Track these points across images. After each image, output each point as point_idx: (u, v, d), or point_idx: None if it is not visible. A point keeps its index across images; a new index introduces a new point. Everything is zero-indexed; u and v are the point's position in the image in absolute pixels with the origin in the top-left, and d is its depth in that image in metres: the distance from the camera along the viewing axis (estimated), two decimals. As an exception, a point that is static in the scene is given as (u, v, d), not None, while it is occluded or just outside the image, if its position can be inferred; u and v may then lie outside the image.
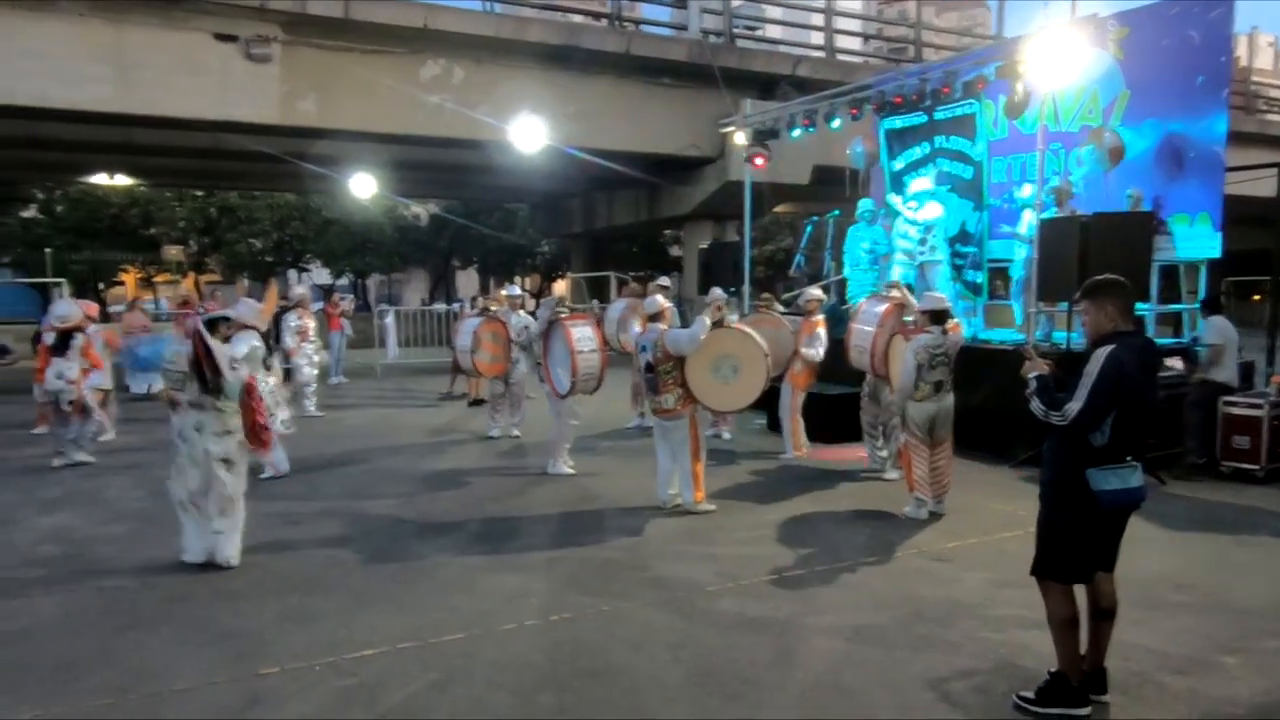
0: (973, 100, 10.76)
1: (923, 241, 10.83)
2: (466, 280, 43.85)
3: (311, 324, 12.43)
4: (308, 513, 7.17)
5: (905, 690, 4.06)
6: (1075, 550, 3.78)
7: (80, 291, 20.35)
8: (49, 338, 9.45)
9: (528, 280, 40.11)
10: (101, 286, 34.34)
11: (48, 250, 27.25)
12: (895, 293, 8.58)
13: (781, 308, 10.48)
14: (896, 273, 10.85)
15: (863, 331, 8.43)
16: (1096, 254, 7.92)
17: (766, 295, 10.70)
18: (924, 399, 6.93)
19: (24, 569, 5.92)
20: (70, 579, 5.70)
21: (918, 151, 12.35)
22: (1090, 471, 3.66)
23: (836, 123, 12.07)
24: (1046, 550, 3.86)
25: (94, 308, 11.09)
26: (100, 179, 23.87)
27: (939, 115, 11.66)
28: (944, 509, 7.08)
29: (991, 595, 5.19)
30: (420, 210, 36.19)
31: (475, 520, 7.08)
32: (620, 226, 25.36)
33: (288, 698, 4.03)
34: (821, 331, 9.19)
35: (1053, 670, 3.86)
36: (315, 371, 12.61)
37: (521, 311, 10.63)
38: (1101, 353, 3.68)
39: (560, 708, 3.92)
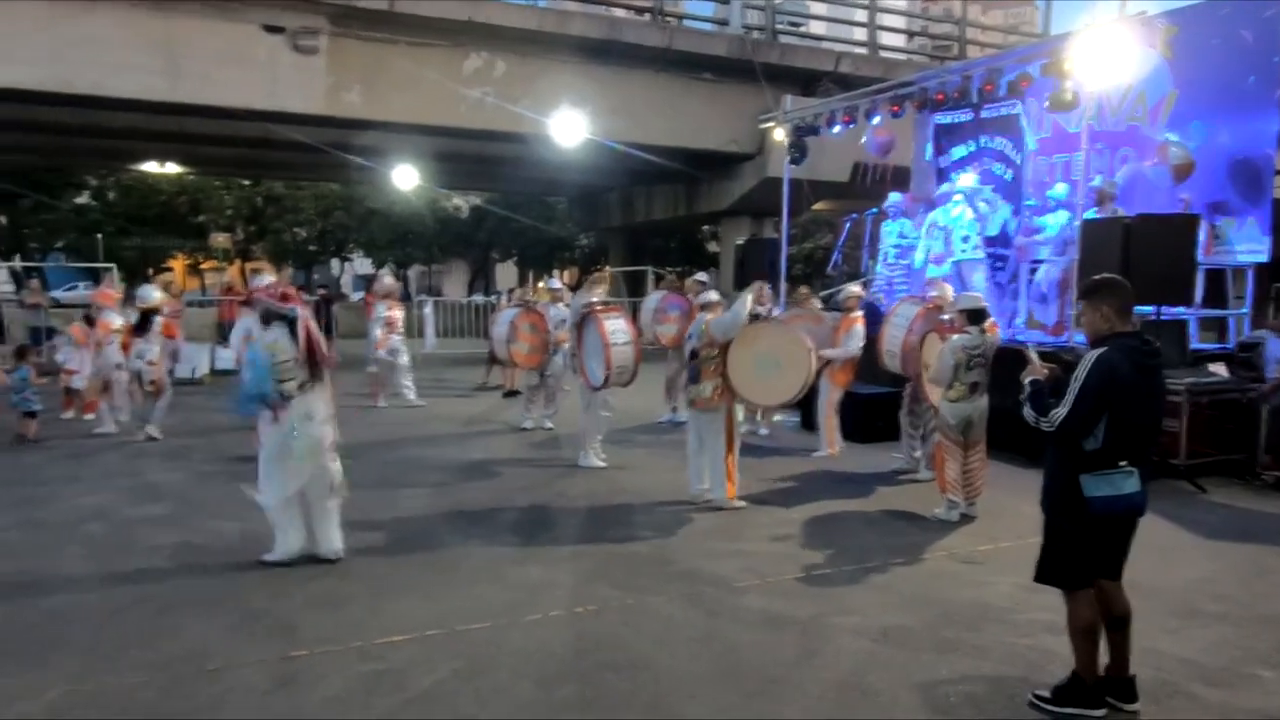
0: (1016, 100, 10.60)
1: (966, 239, 10.68)
2: (505, 273, 44.09)
3: (399, 314, 12.56)
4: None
5: (931, 692, 4.02)
6: (1073, 557, 3.74)
7: (129, 277, 20.78)
8: (132, 317, 9.77)
9: (565, 273, 40.27)
10: (150, 272, 35.07)
11: (100, 236, 27.94)
12: (935, 292, 8.48)
13: (819, 302, 10.43)
14: (935, 271, 10.72)
15: (894, 334, 8.36)
16: (1139, 257, 7.76)
17: (805, 289, 10.63)
18: (959, 399, 6.85)
19: (66, 546, 6.07)
20: (110, 558, 5.84)
21: (963, 149, 12.21)
22: (1083, 477, 3.61)
23: (877, 119, 11.95)
24: (1045, 556, 3.84)
25: (109, 295, 11.35)
26: (151, 167, 24.43)
27: (985, 114, 11.51)
28: (976, 511, 7.00)
29: (1021, 600, 5.12)
30: (461, 202, 36.47)
31: (505, 511, 7.14)
32: (658, 221, 25.38)
33: (317, 680, 4.09)
34: (859, 329, 9.15)
35: (1072, 670, 3.82)
36: (408, 359, 12.68)
37: (560, 304, 10.68)
38: (1091, 356, 3.62)
39: (583, 699, 3.94)
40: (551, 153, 17.76)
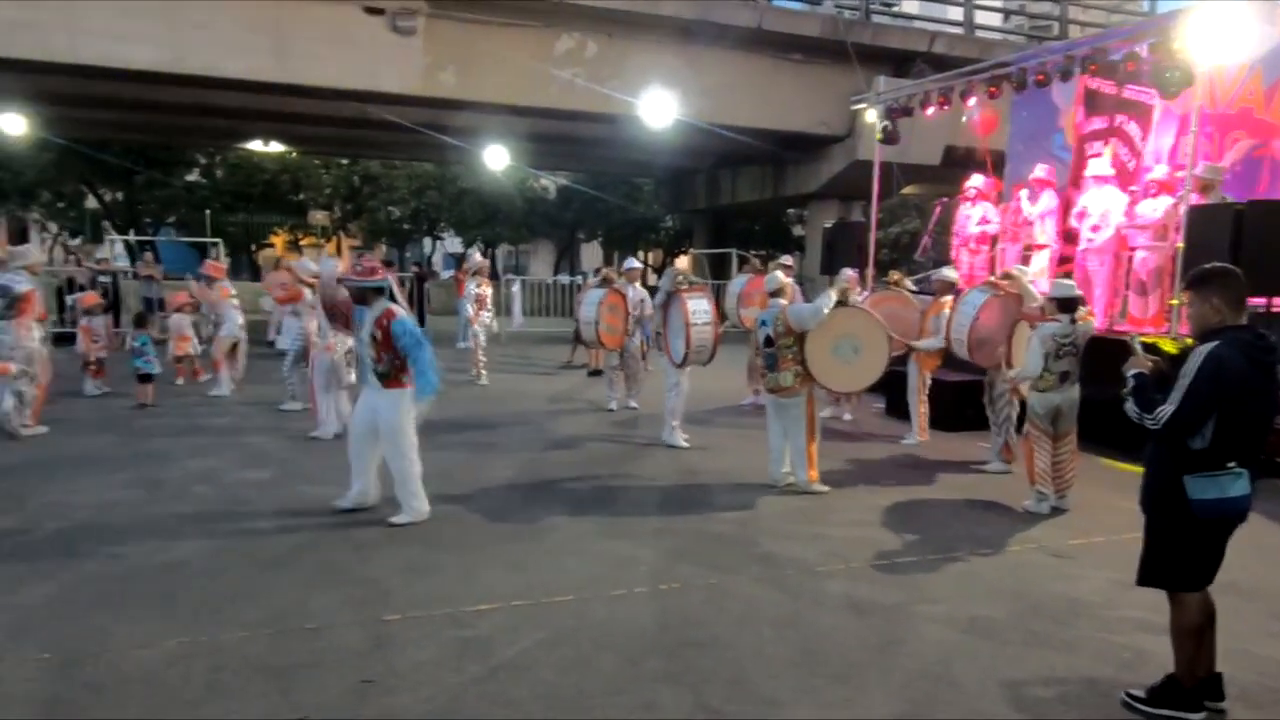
0: (1154, 90, 10.12)
1: (1095, 229, 10.30)
2: (590, 253, 44.41)
3: (489, 292, 12.88)
4: (431, 471, 7.44)
5: (1019, 687, 3.96)
6: (1178, 558, 3.60)
7: (233, 252, 21.68)
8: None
9: (650, 255, 40.33)
10: (253, 247, 36.50)
11: (207, 212, 29.18)
12: (1007, 282, 8.26)
13: (912, 286, 10.25)
14: (1013, 258, 10.44)
15: (961, 320, 8.18)
16: (1251, 245, 7.41)
17: (896, 273, 10.46)
18: (1048, 389, 6.68)
19: (177, 506, 6.41)
20: (216, 518, 6.15)
21: (1100, 123, 11.60)
22: (1187, 478, 3.45)
23: (973, 101, 11.63)
24: (1147, 557, 3.70)
25: (219, 267, 11.88)
26: (256, 145, 25.38)
27: (1127, 95, 10.97)
28: (1067, 504, 6.83)
29: (1115, 596, 4.98)
30: (549, 183, 36.83)
31: (589, 487, 7.26)
32: (744, 203, 25.21)
33: (409, 644, 4.24)
34: (948, 314, 8.95)
35: (1169, 673, 3.71)
36: (484, 339, 12.93)
37: (639, 284, 10.75)
38: (1201, 351, 3.44)
39: (666, 674, 3.99)
40: (639, 134, 17.80)
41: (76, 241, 32.86)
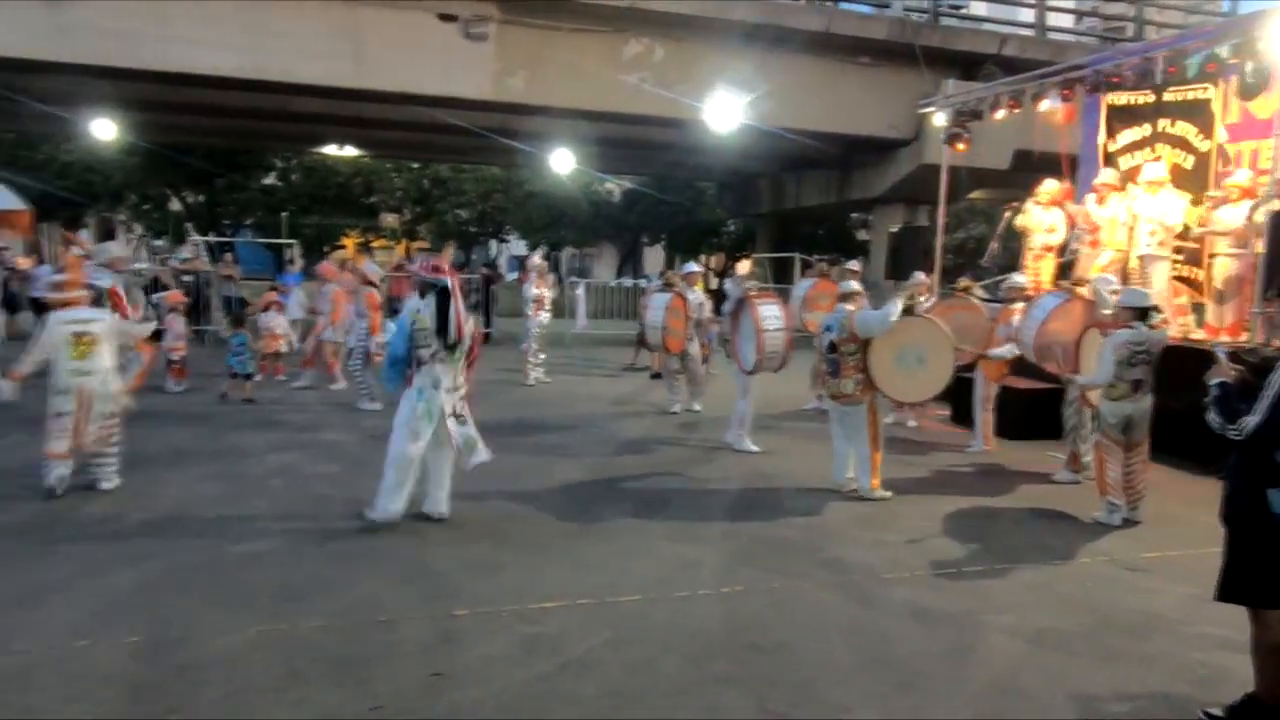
0: (1208, 84, 9.84)
1: (1152, 234, 10.04)
2: (652, 256, 44.50)
3: (548, 293, 13.02)
4: (497, 470, 7.56)
5: (1091, 701, 3.89)
6: (1260, 574, 3.49)
7: (307, 253, 22.29)
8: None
9: (713, 259, 40.25)
10: (326, 249, 37.40)
11: (284, 214, 30.04)
12: (1083, 290, 8.07)
13: (982, 293, 10.08)
14: (1083, 266, 10.20)
15: (1030, 326, 8.02)
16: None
17: (965, 281, 10.30)
18: (1120, 398, 6.52)
19: (256, 499, 6.64)
20: (292, 511, 6.35)
21: (1138, 133, 11.41)
22: (1270, 492, 3.36)
23: (1045, 104, 11.40)
24: (1228, 572, 3.61)
25: (332, 269, 12.22)
26: (331, 149, 26.06)
27: (1167, 97, 10.74)
28: (1140, 516, 6.66)
29: (1192, 611, 4.85)
30: (613, 186, 37.02)
31: (653, 489, 7.30)
32: (808, 208, 25.01)
33: (477, 639, 4.33)
34: (1019, 321, 8.79)
35: (1249, 691, 3.61)
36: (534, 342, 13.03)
37: (696, 288, 10.75)
38: None
39: (730, 677, 4.01)
40: (705, 137, 17.81)
41: (160, 242, 34.07)
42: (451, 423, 6.05)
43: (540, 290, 12.93)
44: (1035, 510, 7.01)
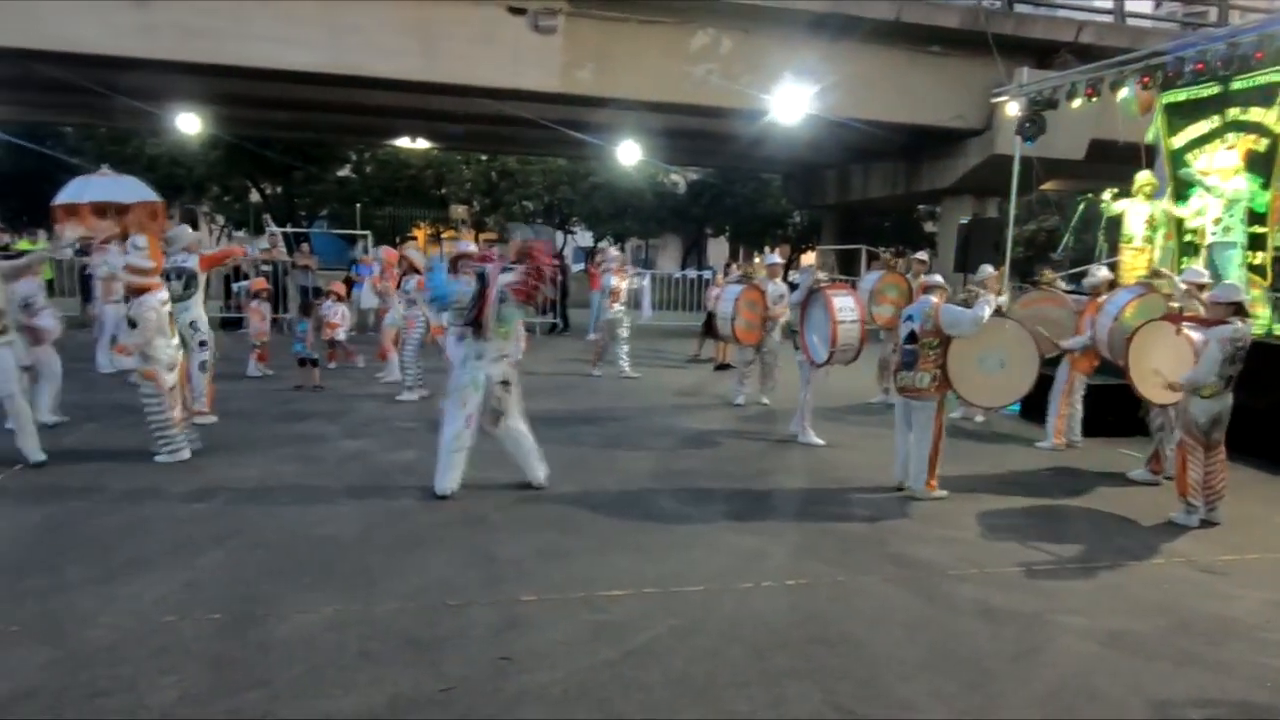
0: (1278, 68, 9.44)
1: (1217, 221, 9.72)
2: (716, 248, 44.35)
3: (624, 285, 13.09)
4: (563, 459, 7.67)
5: (1167, 707, 3.81)
6: None
7: (379, 244, 22.77)
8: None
9: (777, 250, 39.97)
10: (397, 240, 38.16)
11: (357, 205, 30.72)
12: (1160, 281, 7.81)
13: (1065, 285, 9.84)
14: (1158, 257, 9.89)
15: (1103, 320, 7.80)
16: None
17: (1048, 272, 10.05)
18: (1212, 395, 6.32)
19: (332, 483, 6.84)
20: (367, 495, 6.52)
21: (1205, 126, 10.96)
22: None
23: (1124, 92, 11.06)
24: None
25: (394, 254, 12.46)
26: (403, 142, 26.57)
27: (1235, 85, 10.31)
28: (1217, 518, 6.47)
29: (1273, 617, 4.71)
30: (678, 178, 36.97)
31: (718, 480, 7.32)
32: (874, 199, 24.67)
33: (544, 625, 4.41)
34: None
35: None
36: (626, 331, 13.11)
37: (777, 280, 10.71)
38: None
39: (794, 670, 4.03)
40: (771, 129, 17.69)
41: (240, 233, 35.16)
42: (499, 389, 6.51)
43: (619, 282, 12.98)
44: (1109, 510, 6.85)
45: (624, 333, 13.00)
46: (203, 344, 8.70)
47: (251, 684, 3.73)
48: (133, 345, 7.25)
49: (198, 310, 8.78)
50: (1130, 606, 4.89)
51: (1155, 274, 8.22)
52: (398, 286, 11.00)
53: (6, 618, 4.25)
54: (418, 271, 10.40)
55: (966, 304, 6.91)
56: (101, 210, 9.05)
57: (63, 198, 8.89)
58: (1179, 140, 11.29)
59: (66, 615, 4.30)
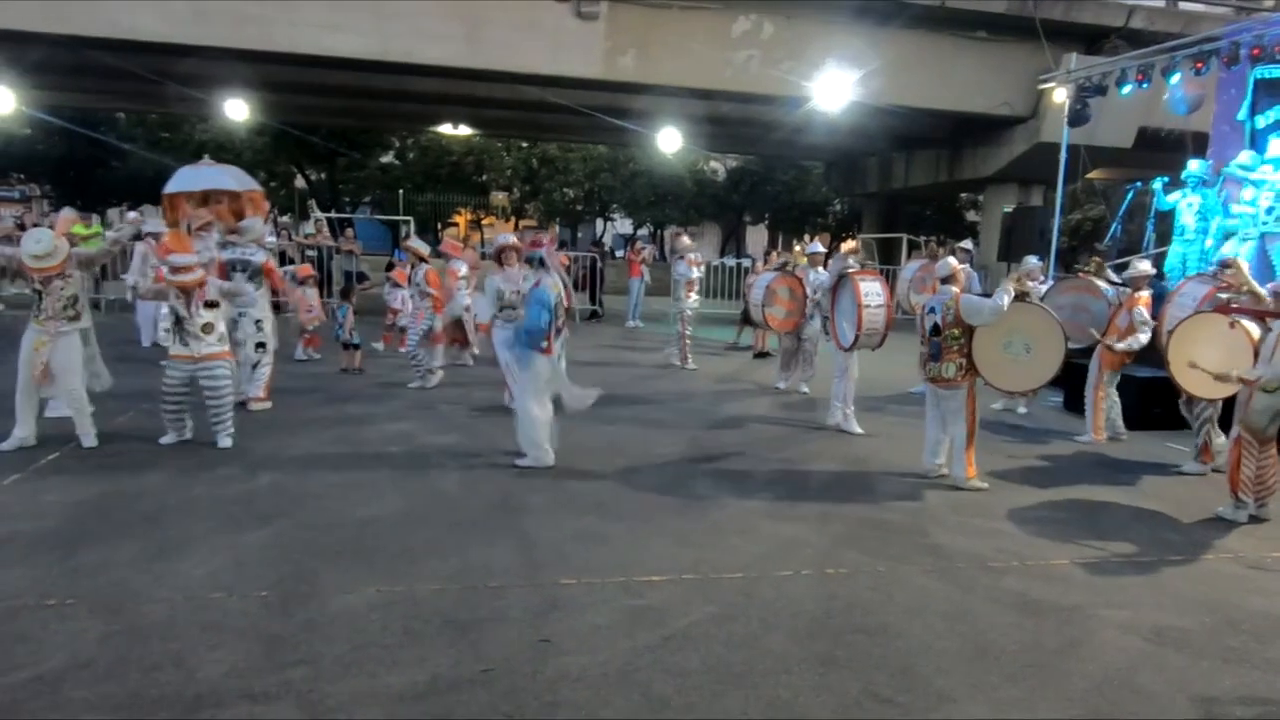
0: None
1: (1270, 210, 9.48)
2: (755, 236, 44.12)
3: (696, 275, 12.79)
4: (601, 444, 7.73)
5: (1213, 704, 3.75)
6: None
7: (420, 231, 23.00)
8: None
9: (817, 238, 39.67)
10: (439, 226, 38.49)
11: (400, 191, 31.02)
12: (1230, 272, 7.62)
13: (1112, 274, 9.67)
14: (1229, 248, 9.62)
15: (1176, 314, 7.63)
16: None
17: (1098, 259, 9.86)
18: (1275, 390, 6.16)
19: (374, 464, 6.95)
20: (409, 477, 6.61)
21: None
22: None
23: (1176, 78, 10.81)
24: None
25: (456, 246, 12.57)
26: (445, 129, 26.76)
27: None
28: (1267, 514, 6.36)
29: (1326, 618, 4.61)
30: (718, 165, 36.81)
31: (756, 467, 7.32)
32: (916, 188, 24.42)
33: (584, 608, 4.44)
34: (1144, 310, 8.40)
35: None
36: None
37: (820, 269, 10.64)
38: None
39: (832, 658, 4.03)
40: (813, 116, 17.55)
41: (285, 219, 35.74)
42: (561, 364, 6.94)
43: (694, 272, 12.76)
44: (1154, 504, 6.74)
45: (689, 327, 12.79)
46: (260, 346, 8.68)
47: (297, 660, 3.81)
48: (229, 289, 7.62)
49: (264, 309, 8.86)
50: (1175, 602, 4.82)
51: (1224, 265, 8.00)
52: (408, 279, 10.93)
53: (65, 591, 4.38)
54: (424, 261, 10.48)
55: (1023, 296, 6.85)
56: (211, 198, 9.31)
57: (175, 186, 9.03)
58: (1263, 120, 10.88)
59: (121, 590, 4.43)
